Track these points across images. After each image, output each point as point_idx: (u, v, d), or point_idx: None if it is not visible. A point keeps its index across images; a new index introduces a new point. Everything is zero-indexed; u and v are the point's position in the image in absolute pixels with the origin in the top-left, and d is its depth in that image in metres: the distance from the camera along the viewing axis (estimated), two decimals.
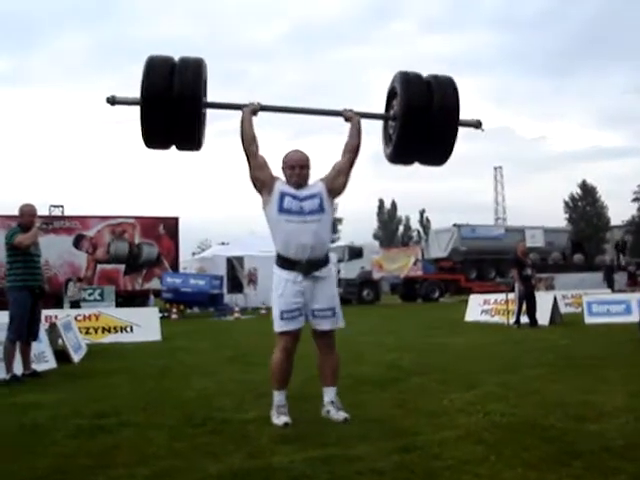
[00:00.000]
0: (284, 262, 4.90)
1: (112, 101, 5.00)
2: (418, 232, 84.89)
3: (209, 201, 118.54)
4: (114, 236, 25.87)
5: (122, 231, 26.07)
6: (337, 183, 5.03)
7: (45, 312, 8.76)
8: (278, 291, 4.88)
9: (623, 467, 3.53)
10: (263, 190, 4.92)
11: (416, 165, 5.21)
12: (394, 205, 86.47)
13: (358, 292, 33.53)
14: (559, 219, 66.15)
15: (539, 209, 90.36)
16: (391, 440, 4.24)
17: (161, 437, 4.55)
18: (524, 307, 14.09)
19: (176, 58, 5.02)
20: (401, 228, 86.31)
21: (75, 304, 21.24)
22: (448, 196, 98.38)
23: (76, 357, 9.61)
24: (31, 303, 7.48)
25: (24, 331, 7.44)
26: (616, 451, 3.83)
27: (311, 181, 5.01)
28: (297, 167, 4.88)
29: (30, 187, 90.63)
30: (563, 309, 16.00)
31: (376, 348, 10.61)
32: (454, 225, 34.78)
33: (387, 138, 5.21)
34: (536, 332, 12.77)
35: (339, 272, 33.83)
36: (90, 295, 23.74)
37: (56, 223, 25.14)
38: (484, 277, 34.18)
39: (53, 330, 9.38)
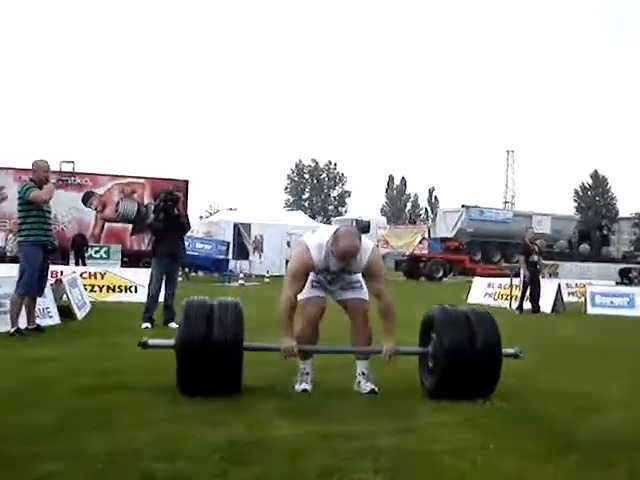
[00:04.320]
0: None
1: (144, 346, 4.99)
2: (426, 210, 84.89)
3: (219, 165, 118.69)
4: (123, 195, 25.83)
5: (131, 191, 25.99)
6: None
7: (51, 267, 8.74)
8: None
9: (619, 460, 3.53)
10: None
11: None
12: (404, 181, 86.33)
13: None
14: (568, 207, 66.14)
15: (548, 196, 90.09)
16: (391, 420, 4.27)
17: (162, 401, 4.58)
18: (527, 293, 14.06)
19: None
20: (409, 205, 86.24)
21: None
22: (458, 176, 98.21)
23: (80, 314, 9.67)
24: (41, 259, 7.49)
25: (33, 286, 7.44)
26: (614, 445, 3.82)
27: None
28: (346, 258, 4.80)
29: (41, 141, 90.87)
30: (566, 298, 15.95)
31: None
32: (462, 206, 34.73)
33: (426, 369, 5.16)
34: (538, 319, 12.79)
35: None
36: (96, 253, 23.87)
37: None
38: (489, 259, 34.23)
39: (59, 286, 9.43)
